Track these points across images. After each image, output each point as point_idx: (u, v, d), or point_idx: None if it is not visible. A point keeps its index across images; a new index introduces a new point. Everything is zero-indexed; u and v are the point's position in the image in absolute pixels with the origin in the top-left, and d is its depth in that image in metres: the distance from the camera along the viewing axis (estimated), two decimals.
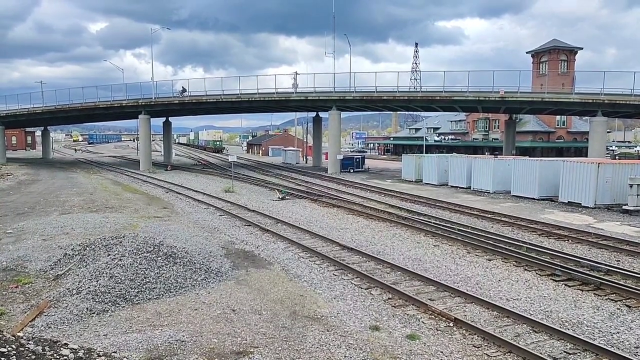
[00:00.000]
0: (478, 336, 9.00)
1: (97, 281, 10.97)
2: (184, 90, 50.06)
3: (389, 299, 11.00)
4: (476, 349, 8.56)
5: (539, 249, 15.46)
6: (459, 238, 17.04)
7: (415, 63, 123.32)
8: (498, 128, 75.42)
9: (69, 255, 13.00)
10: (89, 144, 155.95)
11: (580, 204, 24.70)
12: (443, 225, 19.34)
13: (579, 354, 8.36)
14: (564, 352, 8.41)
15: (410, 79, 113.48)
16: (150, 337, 8.67)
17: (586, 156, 40.27)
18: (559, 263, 13.62)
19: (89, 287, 10.69)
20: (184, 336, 8.77)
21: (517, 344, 8.47)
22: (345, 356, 8.19)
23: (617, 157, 52.51)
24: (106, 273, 11.34)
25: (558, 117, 68.85)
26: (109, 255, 12.44)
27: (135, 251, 12.60)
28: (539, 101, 41.36)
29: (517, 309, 10.34)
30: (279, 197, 28.25)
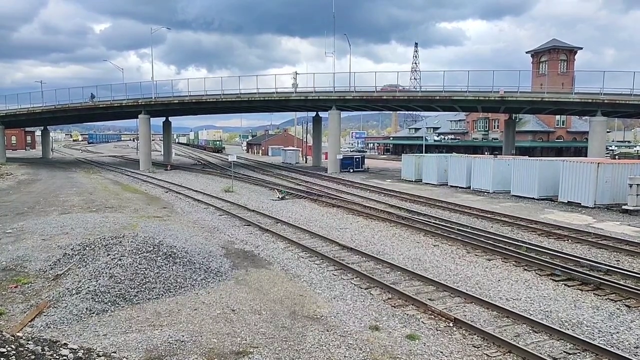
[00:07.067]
0: (478, 336, 9.00)
1: (97, 281, 10.96)
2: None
3: (389, 298, 11.00)
4: (476, 349, 8.55)
5: (538, 248, 15.45)
6: (458, 238, 17.04)
7: (415, 63, 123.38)
8: (498, 128, 75.43)
9: (69, 255, 12.99)
10: (89, 143, 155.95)
11: (580, 203, 24.70)
12: (443, 225, 19.33)
13: (578, 354, 8.36)
14: (564, 352, 8.41)
15: (410, 78, 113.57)
16: (150, 337, 8.66)
17: (586, 156, 40.27)
18: (558, 263, 13.62)
19: (88, 287, 10.68)
20: (183, 336, 8.76)
21: (516, 344, 8.47)
22: (345, 356, 8.19)
23: (616, 156, 52.50)
24: (106, 273, 11.33)
25: (558, 117, 68.88)
26: (109, 255, 12.43)
27: (134, 251, 12.59)
28: (539, 101, 41.36)
29: (516, 308, 10.34)
30: (278, 197, 28.25)
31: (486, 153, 61.98)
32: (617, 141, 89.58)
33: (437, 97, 43.22)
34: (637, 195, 22.65)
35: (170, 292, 11.07)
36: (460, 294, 11.19)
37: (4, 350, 6.14)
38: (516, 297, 11.27)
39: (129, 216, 20.36)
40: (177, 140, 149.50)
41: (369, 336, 9.00)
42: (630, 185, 22.79)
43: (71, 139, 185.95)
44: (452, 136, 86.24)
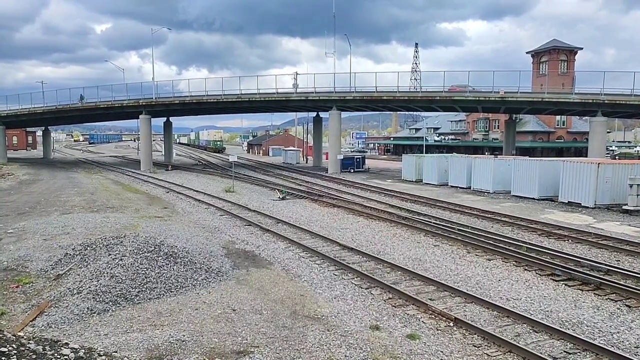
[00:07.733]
0: (478, 336, 9.02)
1: (98, 281, 11.00)
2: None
3: (389, 298, 11.02)
4: (476, 348, 8.57)
5: (539, 248, 15.47)
6: (459, 238, 17.06)
7: (416, 63, 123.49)
8: (498, 128, 75.39)
9: (70, 255, 13.02)
10: (90, 143, 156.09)
11: (580, 204, 24.71)
12: (443, 225, 19.34)
13: (579, 353, 8.38)
14: (564, 352, 8.43)
15: (411, 79, 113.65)
16: (151, 337, 8.68)
17: (586, 156, 40.26)
18: (559, 263, 13.64)
19: (89, 287, 10.71)
20: (184, 336, 8.78)
21: (517, 344, 8.49)
22: (345, 356, 8.20)
23: (617, 157, 52.50)
24: (107, 273, 11.37)
25: (558, 117, 68.84)
26: (110, 255, 12.46)
27: (136, 251, 12.63)
28: (539, 101, 41.36)
29: (517, 308, 10.36)
30: (279, 197, 28.27)
31: (486, 153, 61.96)
32: (618, 141, 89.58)
33: (438, 98, 43.22)
34: (637, 195, 22.65)
35: (171, 291, 11.10)
36: (460, 294, 11.20)
37: (5, 349, 6.16)
38: (516, 297, 11.29)
39: (130, 216, 20.38)
40: (177, 141, 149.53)
41: (370, 336, 9.02)
42: (631, 186, 22.79)
43: (72, 139, 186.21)
44: (453, 136, 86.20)
